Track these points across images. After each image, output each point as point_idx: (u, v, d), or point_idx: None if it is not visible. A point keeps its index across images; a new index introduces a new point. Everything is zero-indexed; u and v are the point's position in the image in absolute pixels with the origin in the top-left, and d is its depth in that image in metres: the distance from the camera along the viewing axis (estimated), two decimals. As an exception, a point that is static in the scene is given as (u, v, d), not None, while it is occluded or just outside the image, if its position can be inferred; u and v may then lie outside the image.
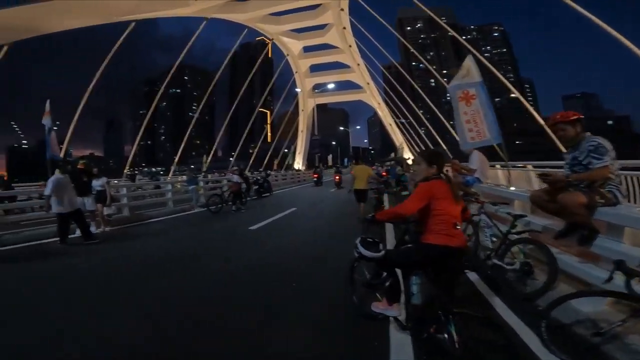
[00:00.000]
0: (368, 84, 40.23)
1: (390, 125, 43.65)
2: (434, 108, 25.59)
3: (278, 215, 9.45)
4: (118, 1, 16.39)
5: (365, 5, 25.15)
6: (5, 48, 12.85)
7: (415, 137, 37.07)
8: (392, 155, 28.35)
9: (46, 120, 8.83)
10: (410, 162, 23.28)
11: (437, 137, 26.14)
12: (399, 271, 2.58)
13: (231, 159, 39.59)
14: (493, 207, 4.44)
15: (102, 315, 3.17)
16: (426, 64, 27.66)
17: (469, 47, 17.63)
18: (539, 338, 2.22)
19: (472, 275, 4.01)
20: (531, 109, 12.86)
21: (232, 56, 29.96)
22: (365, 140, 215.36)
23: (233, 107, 35.96)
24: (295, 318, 3.00)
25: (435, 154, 2.53)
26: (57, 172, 6.53)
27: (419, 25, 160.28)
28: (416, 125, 34.63)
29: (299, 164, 41.38)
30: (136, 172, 27.25)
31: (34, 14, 13.45)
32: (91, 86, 17.11)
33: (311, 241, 6.22)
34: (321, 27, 33.57)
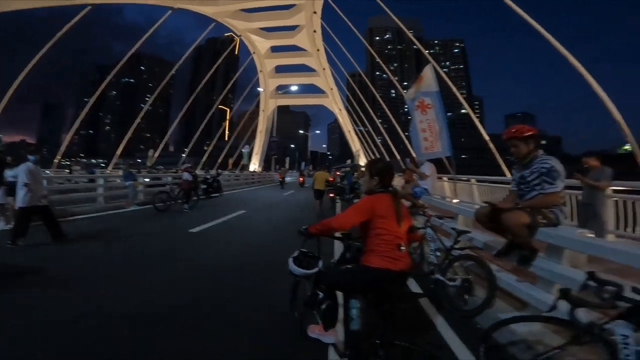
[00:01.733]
0: (331, 89, 40.52)
1: (349, 132, 44.32)
2: (392, 118, 26.35)
3: (224, 217, 8.92)
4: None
5: (339, 11, 25.32)
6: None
7: (372, 146, 37.92)
8: (349, 161, 28.71)
9: None
10: (364, 169, 23.76)
11: (392, 147, 26.93)
12: (339, 293, 2.32)
13: (183, 155, 37.58)
14: (439, 220, 4.40)
15: None
16: (389, 74, 28.54)
17: (431, 60, 18.36)
18: None
19: (416, 290, 3.93)
20: (479, 125, 13.58)
21: (196, 50, 28.80)
22: (324, 145, 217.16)
23: (190, 101, 34.24)
24: (223, 335, 2.66)
25: (382, 165, 2.26)
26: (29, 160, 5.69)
27: (387, 36, 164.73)
28: (374, 134, 35.41)
29: (255, 164, 40.31)
30: (68, 162, 24.77)
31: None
32: (28, 68, 15.41)
33: (255, 249, 5.77)
34: (292, 28, 33.36)
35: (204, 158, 31.80)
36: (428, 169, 5.69)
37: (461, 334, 2.73)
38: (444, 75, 15.68)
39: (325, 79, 39.09)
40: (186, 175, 11.20)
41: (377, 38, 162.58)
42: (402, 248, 2.05)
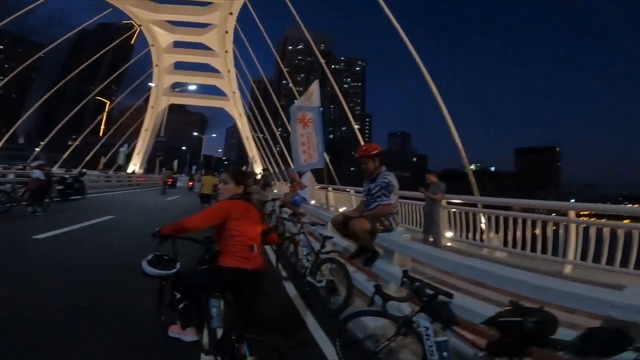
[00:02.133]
0: (234, 92, 39.03)
1: (247, 138, 43.42)
2: (290, 128, 26.99)
3: (84, 223, 7.68)
4: None
5: (255, 16, 24.65)
6: None
7: (269, 154, 38.04)
8: (245, 167, 28.26)
9: None
10: (259, 176, 23.81)
11: (288, 155, 27.63)
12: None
13: (37, 149, 30.76)
14: (312, 226, 4.73)
15: None
16: (292, 84, 29.22)
17: (330, 75, 19.26)
18: (337, 356, 2.32)
19: (292, 291, 4.10)
20: (361, 140, 15.04)
21: (82, 35, 24.20)
22: (220, 150, 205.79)
23: (56, 87, 28.19)
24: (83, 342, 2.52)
25: (244, 174, 2.47)
26: None
27: (300, 46, 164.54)
28: (271, 143, 35.65)
29: (136, 165, 35.64)
30: None
31: None
32: None
33: (116, 257, 5.11)
34: (202, 25, 31.12)
35: (65, 154, 26.64)
36: (307, 179, 6.06)
37: (329, 332, 2.91)
38: (339, 93, 17.04)
39: (228, 81, 37.52)
40: (37, 173, 9.44)
41: (290, 47, 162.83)
42: (254, 249, 2.19)
